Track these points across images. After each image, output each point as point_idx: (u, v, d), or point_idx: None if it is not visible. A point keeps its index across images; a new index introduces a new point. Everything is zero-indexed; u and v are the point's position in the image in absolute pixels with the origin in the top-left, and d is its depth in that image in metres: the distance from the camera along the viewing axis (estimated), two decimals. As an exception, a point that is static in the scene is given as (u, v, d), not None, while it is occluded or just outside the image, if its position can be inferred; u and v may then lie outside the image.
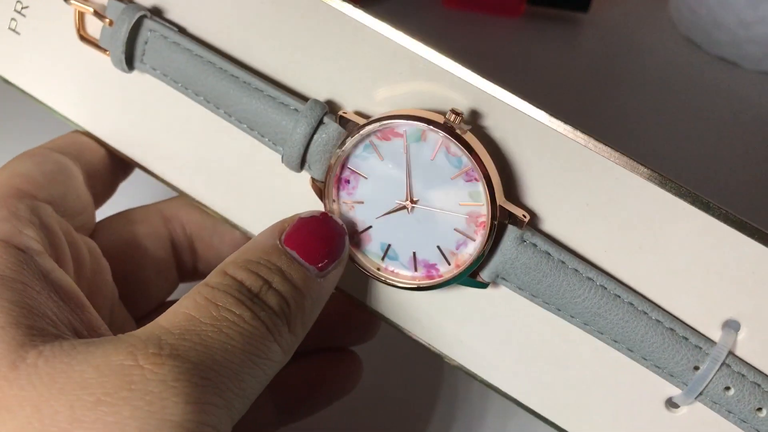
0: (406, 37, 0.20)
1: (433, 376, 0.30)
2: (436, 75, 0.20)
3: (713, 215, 0.18)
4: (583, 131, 0.19)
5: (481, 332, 0.21)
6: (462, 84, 0.20)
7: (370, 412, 0.29)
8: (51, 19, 0.24)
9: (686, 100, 0.41)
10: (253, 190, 0.23)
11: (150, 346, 0.16)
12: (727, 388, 0.19)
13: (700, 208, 0.18)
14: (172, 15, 0.23)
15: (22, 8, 0.24)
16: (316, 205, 0.22)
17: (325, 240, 0.20)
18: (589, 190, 0.19)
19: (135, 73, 0.23)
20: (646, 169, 0.19)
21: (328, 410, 0.27)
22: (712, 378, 0.19)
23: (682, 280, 0.19)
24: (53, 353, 0.16)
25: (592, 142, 0.19)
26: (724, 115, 0.40)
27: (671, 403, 0.20)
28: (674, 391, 0.20)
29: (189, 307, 0.18)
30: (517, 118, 0.19)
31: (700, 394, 0.19)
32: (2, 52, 0.25)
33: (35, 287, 0.18)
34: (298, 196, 0.22)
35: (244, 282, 0.18)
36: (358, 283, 0.22)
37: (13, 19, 0.25)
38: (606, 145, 0.19)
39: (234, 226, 0.23)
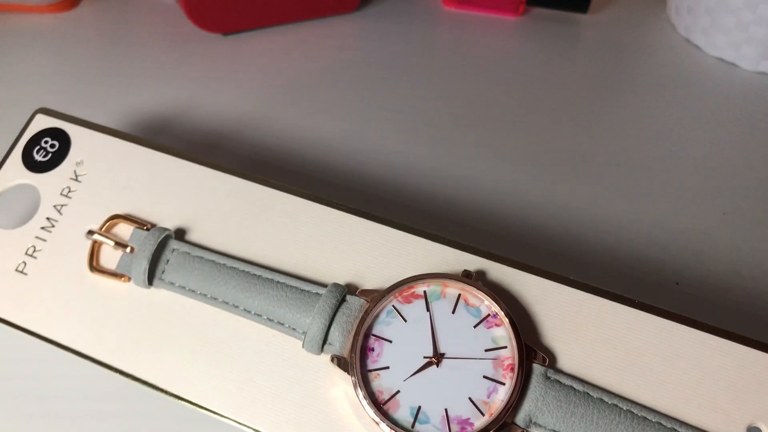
0: (409, 235, 0.24)
1: None
2: (440, 253, 0.24)
3: (704, 330, 0.21)
4: (572, 281, 0.23)
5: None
6: (463, 256, 0.23)
7: None
8: (61, 258, 0.26)
9: (685, 100, 0.41)
10: (269, 385, 0.23)
11: None
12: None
13: (691, 326, 0.21)
14: (192, 237, 0.26)
15: (34, 251, 0.26)
16: (328, 385, 0.22)
17: None
18: (593, 328, 0.22)
19: (148, 291, 0.25)
20: (636, 302, 0.22)
21: None
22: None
23: (697, 394, 0.21)
24: None
25: (581, 291, 0.22)
26: (723, 116, 0.40)
27: None
28: None
29: None
30: (516, 277, 0.23)
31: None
32: (7, 295, 0.26)
33: None
34: (314, 382, 0.23)
35: None
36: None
37: (23, 261, 0.26)
38: (594, 288, 0.22)
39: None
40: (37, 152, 0.28)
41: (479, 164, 0.37)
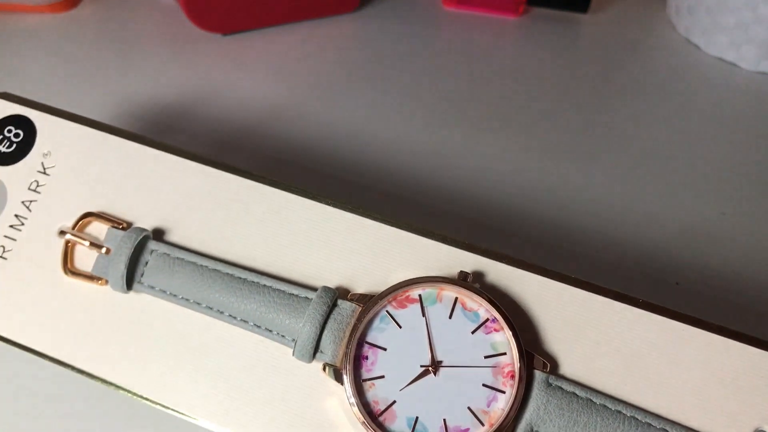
0: (400, 231, 0.23)
1: None
2: (434, 251, 0.22)
3: (710, 330, 0.21)
4: (573, 280, 0.22)
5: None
6: (459, 254, 0.22)
7: None
8: (33, 259, 0.24)
9: (685, 100, 0.41)
10: (259, 394, 0.22)
11: None
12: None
13: (696, 326, 0.21)
14: (171, 237, 0.24)
15: (4, 252, 0.25)
16: (322, 394, 0.21)
17: None
18: (595, 329, 0.21)
19: (127, 296, 0.23)
20: (640, 302, 0.21)
21: None
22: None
23: (702, 398, 0.20)
24: None
25: (583, 290, 0.21)
26: (722, 116, 0.40)
27: None
28: None
29: None
30: (515, 276, 0.22)
31: None
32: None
33: None
34: (305, 391, 0.22)
35: None
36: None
37: (-9, 264, 0.25)
38: (595, 286, 0.21)
39: None
40: (1, 143, 0.26)
41: (478, 163, 0.36)
